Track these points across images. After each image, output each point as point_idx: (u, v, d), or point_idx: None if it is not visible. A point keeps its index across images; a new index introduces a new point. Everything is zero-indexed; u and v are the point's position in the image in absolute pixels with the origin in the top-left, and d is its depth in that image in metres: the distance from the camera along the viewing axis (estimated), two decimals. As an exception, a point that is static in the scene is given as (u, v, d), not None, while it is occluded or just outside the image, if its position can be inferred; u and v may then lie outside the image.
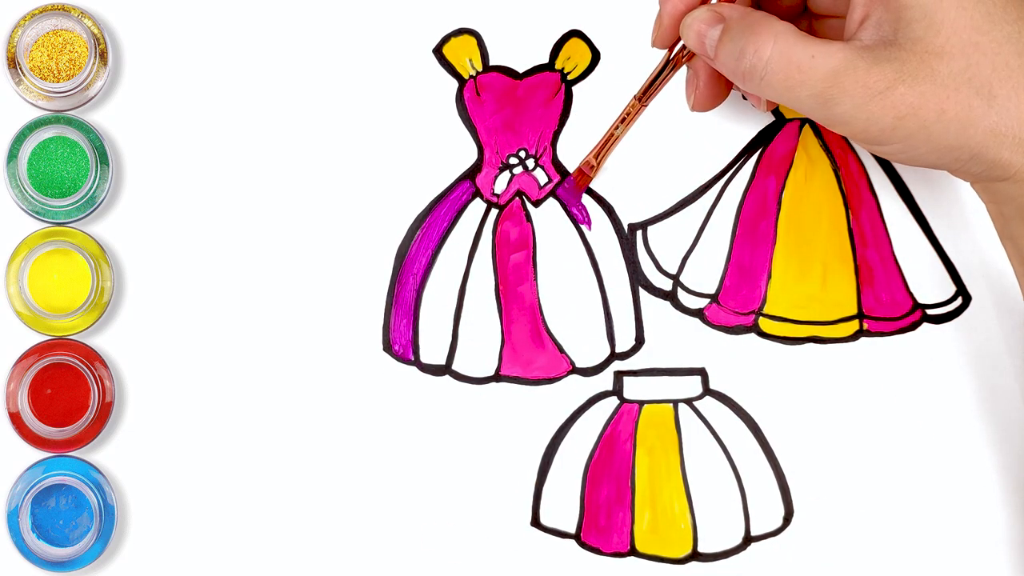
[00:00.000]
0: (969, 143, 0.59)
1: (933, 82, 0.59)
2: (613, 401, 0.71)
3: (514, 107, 0.72)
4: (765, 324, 0.71)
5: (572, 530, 0.70)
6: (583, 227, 0.71)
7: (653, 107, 0.70)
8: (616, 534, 0.70)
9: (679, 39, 0.64)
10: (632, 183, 0.71)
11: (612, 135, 0.69)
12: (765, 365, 0.71)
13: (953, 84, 0.59)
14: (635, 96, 0.67)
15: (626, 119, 0.68)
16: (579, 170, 0.70)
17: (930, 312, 0.71)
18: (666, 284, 0.71)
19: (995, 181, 0.61)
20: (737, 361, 0.71)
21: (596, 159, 0.69)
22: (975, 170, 0.61)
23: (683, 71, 0.66)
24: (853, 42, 0.60)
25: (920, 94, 0.59)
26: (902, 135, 0.59)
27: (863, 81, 0.59)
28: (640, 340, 0.71)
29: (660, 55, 0.67)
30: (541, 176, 0.72)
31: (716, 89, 0.65)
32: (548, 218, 0.71)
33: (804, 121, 0.72)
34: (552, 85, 0.72)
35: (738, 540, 0.70)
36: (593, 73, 0.72)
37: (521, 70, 0.72)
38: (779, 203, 0.72)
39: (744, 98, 0.71)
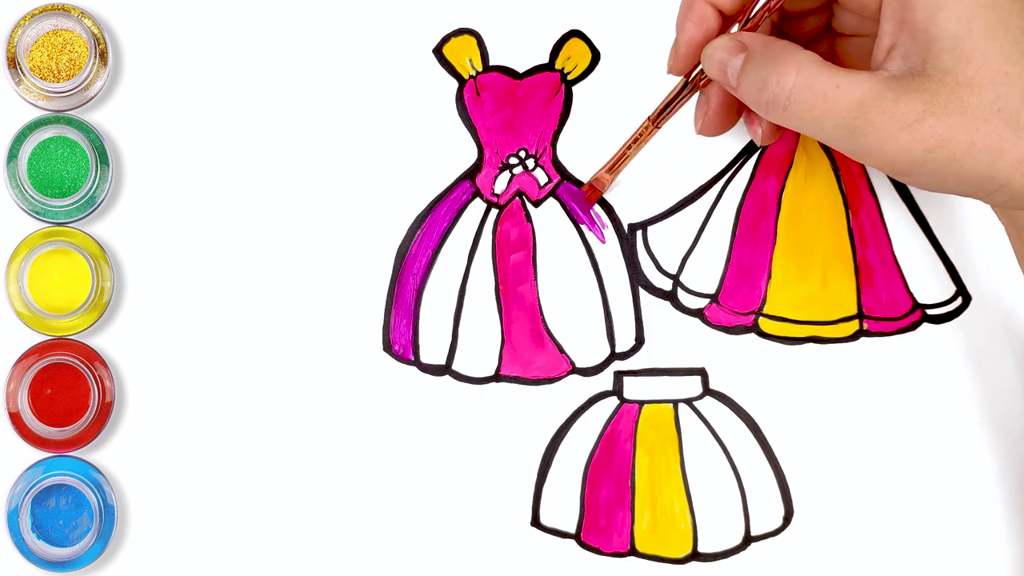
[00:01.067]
0: (998, 175, 0.58)
1: (963, 114, 0.57)
2: (613, 401, 0.71)
3: (514, 107, 0.72)
4: (765, 324, 0.71)
5: (572, 530, 0.70)
6: (591, 232, 0.71)
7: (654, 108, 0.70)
8: (616, 534, 0.70)
9: (695, 65, 0.64)
10: (632, 183, 0.71)
11: (624, 154, 0.69)
12: (765, 365, 0.71)
13: (983, 115, 0.57)
14: (648, 118, 0.67)
15: (638, 140, 0.68)
16: (590, 184, 0.70)
17: (930, 312, 0.71)
18: (666, 284, 0.71)
19: (1019, 210, 0.60)
20: (737, 361, 0.71)
21: (609, 174, 0.69)
22: (1000, 199, 0.59)
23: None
24: (880, 72, 0.58)
25: (950, 126, 0.57)
26: (931, 167, 0.58)
27: (891, 112, 0.57)
28: (640, 340, 0.71)
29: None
30: (541, 176, 0.72)
31: (726, 117, 0.64)
32: (548, 218, 0.71)
33: (804, 121, 0.72)
34: (552, 85, 0.72)
35: (738, 540, 0.70)
36: (593, 73, 0.72)
37: (521, 70, 0.72)
38: (779, 203, 0.72)
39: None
